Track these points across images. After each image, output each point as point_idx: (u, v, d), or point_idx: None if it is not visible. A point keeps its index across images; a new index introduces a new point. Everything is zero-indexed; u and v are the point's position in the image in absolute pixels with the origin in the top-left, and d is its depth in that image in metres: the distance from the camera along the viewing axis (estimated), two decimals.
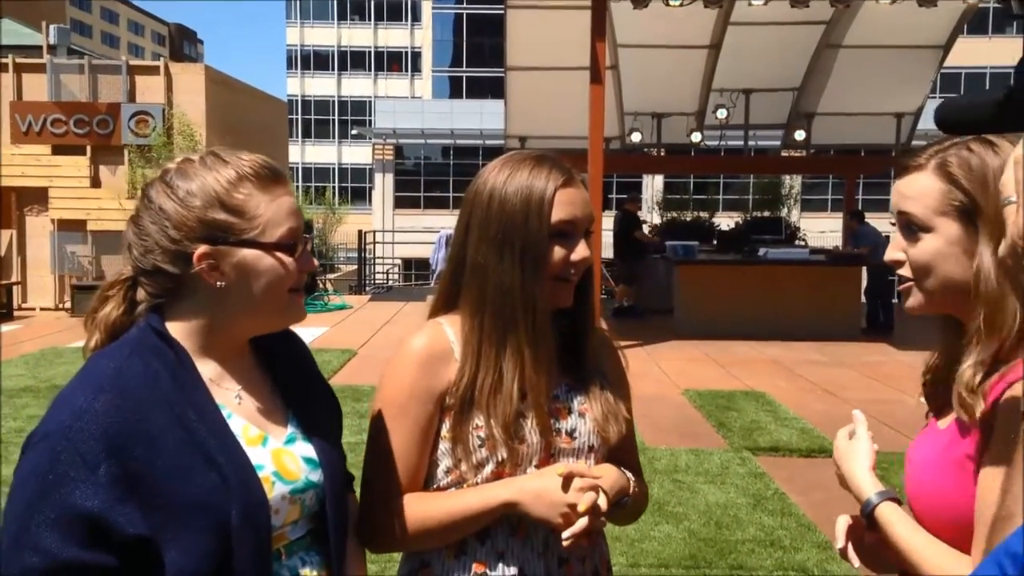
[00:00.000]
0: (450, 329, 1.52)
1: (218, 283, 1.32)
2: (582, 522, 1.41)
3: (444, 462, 1.50)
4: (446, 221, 16.80)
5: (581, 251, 1.49)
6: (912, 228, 1.34)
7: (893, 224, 1.40)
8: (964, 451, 1.27)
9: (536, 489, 1.43)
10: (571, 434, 1.51)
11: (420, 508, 1.48)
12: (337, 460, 1.46)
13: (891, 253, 1.39)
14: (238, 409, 1.37)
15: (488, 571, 1.48)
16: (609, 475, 1.50)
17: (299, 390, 1.48)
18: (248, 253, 1.32)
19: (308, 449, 1.42)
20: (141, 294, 1.38)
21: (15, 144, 13.87)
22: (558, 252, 1.47)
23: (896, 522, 1.31)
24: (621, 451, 1.60)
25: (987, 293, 1.25)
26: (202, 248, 1.31)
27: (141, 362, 1.29)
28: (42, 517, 1.18)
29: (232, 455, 1.29)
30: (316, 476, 1.41)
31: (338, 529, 1.43)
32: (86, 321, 1.40)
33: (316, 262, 1.41)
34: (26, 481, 1.21)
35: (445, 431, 1.49)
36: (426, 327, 1.54)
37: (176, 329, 1.35)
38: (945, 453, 1.31)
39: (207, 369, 1.36)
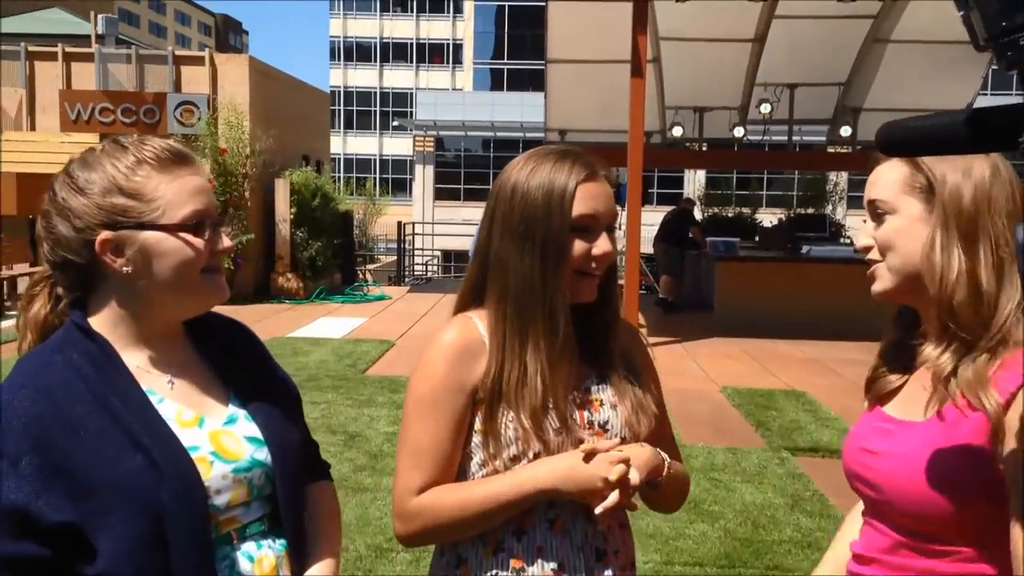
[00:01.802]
0: (480, 323, 1.52)
1: (124, 269, 1.32)
2: (614, 496, 1.40)
3: (478, 455, 1.50)
4: None
5: (603, 245, 1.49)
6: (879, 213, 1.42)
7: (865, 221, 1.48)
8: (965, 440, 1.30)
9: (567, 467, 1.43)
10: (604, 426, 1.52)
11: (457, 496, 1.46)
12: (288, 440, 1.45)
13: (861, 241, 1.46)
14: (170, 394, 1.37)
15: (526, 566, 1.46)
16: (639, 453, 1.48)
17: (242, 373, 1.47)
18: (149, 236, 1.32)
19: (252, 428, 1.41)
20: (61, 289, 1.39)
21: (64, 132, 14.09)
22: (579, 246, 1.48)
23: None
24: (658, 441, 1.59)
25: (933, 267, 1.34)
26: (103, 234, 1.31)
27: (62, 358, 1.30)
28: None
29: (159, 437, 1.28)
30: (263, 455, 1.40)
31: (291, 507, 1.42)
32: (17, 323, 1.41)
33: (229, 242, 1.39)
34: None
35: (478, 425, 1.49)
36: (456, 321, 1.54)
37: (99, 321, 1.35)
38: (945, 443, 1.33)
39: (135, 358, 1.36)
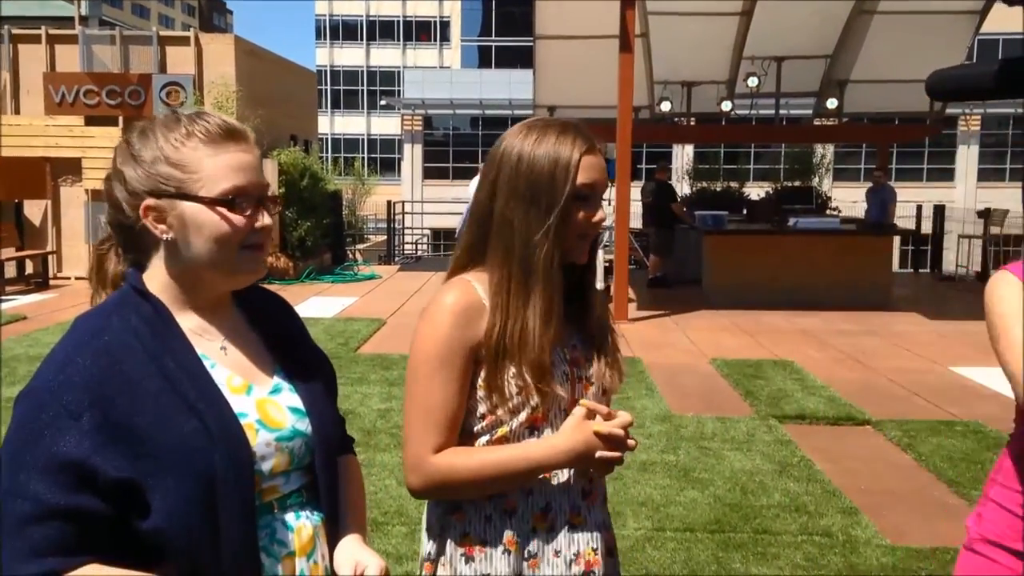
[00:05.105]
0: (478, 285, 1.60)
1: (164, 236, 1.37)
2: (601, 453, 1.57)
3: (479, 409, 1.59)
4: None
5: (600, 213, 1.63)
6: None
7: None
8: None
9: (578, 453, 1.56)
10: (589, 380, 1.65)
11: (474, 462, 1.56)
12: (327, 412, 1.50)
13: None
14: (222, 360, 1.41)
15: (519, 508, 1.59)
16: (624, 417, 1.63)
17: (286, 345, 1.52)
18: (188, 206, 1.35)
19: (295, 399, 1.46)
20: (121, 250, 1.45)
21: (49, 115, 14.02)
22: (581, 213, 1.59)
23: None
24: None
25: None
26: (147, 201, 1.36)
27: (120, 319, 1.33)
28: (30, 466, 1.22)
29: (212, 402, 1.32)
30: (304, 425, 1.44)
31: (328, 477, 1.47)
32: (91, 280, 1.46)
33: (268, 220, 1.41)
34: (13, 434, 1.26)
35: (480, 381, 1.58)
36: (454, 283, 1.61)
37: (152, 283, 1.39)
38: None
39: (189, 321, 1.40)
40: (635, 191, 11.05)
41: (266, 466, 1.38)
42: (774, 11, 12.92)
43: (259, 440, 1.36)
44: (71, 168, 13.96)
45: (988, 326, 1.68)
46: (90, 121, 14.09)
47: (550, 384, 1.56)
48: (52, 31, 14.60)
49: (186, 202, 1.36)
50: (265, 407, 1.41)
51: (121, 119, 14.04)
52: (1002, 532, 1.71)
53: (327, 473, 1.46)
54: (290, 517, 1.42)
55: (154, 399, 1.28)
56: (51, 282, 13.45)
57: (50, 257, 13.87)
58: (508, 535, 1.58)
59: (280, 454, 1.40)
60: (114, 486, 1.23)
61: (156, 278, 1.40)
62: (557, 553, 1.59)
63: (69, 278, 13.94)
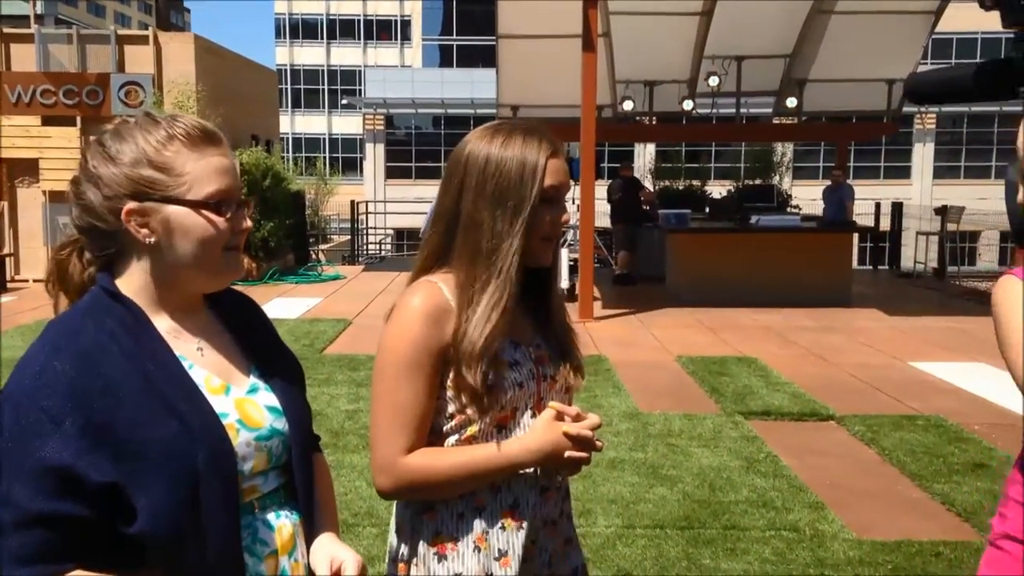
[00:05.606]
0: (444, 286, 1.61)
1: (147, 239, 1.35)
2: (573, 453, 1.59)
3: (448, 409, 1.60)
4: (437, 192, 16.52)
5: (566, 215, 1.67)
6: None
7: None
8: None
9: (548, 453, 1.58)
10: (554, 378, 1.68)
11: (448, 462, 1.58)
12: (301, 411, 1.50)
13: None
14: (200, 360, 1.41)
15: (487, 505, 1.61)
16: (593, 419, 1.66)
17: (260, 345, 1.52)
18: (174, 210, 1.35)
19: (271, 398, 1.46)
20: (88, 254, 1.42)
21: (5, 115, 13.76)
22: (547, 215, 1.62)
23: None
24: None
25: None
26: (129, 204, 1.34)
27: (94, 323, 1.32)
28: (11, 473, 1.21)
29: (194, 403, 1.32)
30: (280, 424, 1.45)
31: (305, 475, 1.47)
32: (47, 286, 1.43)
33: (249, 223, 1.43)
34: None
35: (449, 382, 1.59)
36: (421, 285, 1.62)
37: (126, 286, 1.38)
38: None
39: (164, 323, 1.39)
40: (599, 190, 11.10)
41: (247, 466, 1.38)
42: (734, 11, 13.05)
43: (240, 440, 1.37)
44: (28, 169, 13.72)
45: (996, 328, 1.73)
46: (47, 121, 13.85)
47: (519, 385, 1.58)
48: (7, 30, 14.35)
49: (172, 206, 1.35)
50: (244, 407, 1.41)
51: (79, 119, 13.82)
52: (1019, 527, 1.75)
53: (303, 471, 1.47)
54: (271, 516, 1.43)
55: (135, 401, 1.27)
56: (8, 285, 13.20)
57: (7, 259, 13.61)
58: (479, 532, 1.59)
59: (259, 453, 1.40)
60: (98, 491, 1.22)
61: (131, 281, 1.38)
62: (527, 549, 1.61)
63: (27, 280, 13.69)
